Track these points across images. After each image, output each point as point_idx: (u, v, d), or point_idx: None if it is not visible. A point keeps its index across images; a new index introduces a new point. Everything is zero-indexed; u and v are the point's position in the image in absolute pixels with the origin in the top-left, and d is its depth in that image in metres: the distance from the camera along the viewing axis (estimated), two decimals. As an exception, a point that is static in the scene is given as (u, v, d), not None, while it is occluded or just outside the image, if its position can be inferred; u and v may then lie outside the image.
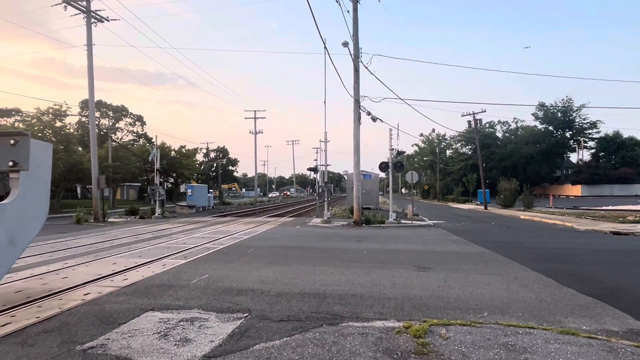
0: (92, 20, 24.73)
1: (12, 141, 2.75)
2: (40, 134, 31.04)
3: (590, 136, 70.18)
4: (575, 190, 65.79)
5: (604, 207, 31.79)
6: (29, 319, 5.29)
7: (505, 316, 5.35)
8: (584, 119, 68.33)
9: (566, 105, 66.97)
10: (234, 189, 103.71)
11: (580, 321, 5.15)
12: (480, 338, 4.48)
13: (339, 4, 19.43)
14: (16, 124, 37.02)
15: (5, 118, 37.62)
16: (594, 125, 68.16)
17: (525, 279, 7.76)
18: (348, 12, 20.73)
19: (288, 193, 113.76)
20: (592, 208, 31.77)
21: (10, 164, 2.73)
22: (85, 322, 5.14)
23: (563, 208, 32.90)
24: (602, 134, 69.40)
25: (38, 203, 3.01)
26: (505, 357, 3.97)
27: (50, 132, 33.17)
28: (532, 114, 71.48)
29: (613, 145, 68.57)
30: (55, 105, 35.61)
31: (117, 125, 60.75)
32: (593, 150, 71.95)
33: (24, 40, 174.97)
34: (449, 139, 76.72)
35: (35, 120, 34.08)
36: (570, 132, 69.92)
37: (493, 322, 5.05)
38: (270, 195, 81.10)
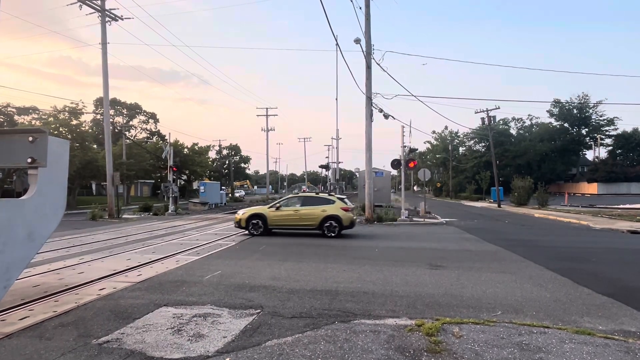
0: (107, 19, 25.01)
1: (30, 138, 2.80)
2: (56, 132, 31.57)
3: (607, 133, 68.69)
4: (591, 188, 64.57)
5: (621, 206, 31.15)
6: (47, 312, 5.40)
7: (519, 315, 5.30)
8: (601, 116, 66.87)
9: (582, 101, 65.65)
10: (245, 186, 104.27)
11: (596, 321, 5.07)
12: (493, 337, 4.44)
13: (351, 0, 19.36)
14: (33, 122, 37.71)
15: (23, 116, 38.32)
16: (611, 122, 66.69)
17: (539, 277, 7.67)
18: (360, 8, 20.65)
19: (306, 190, 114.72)
20: (608, 206, 31.18)
21: (29, 160, 2.78)
22: (100, 317, 5.23)
23: (578, 206, 32.34)
24: (619, 131, 67.90)
25: (56, 199, 3.07)
26: (519, 356, 3.93)
27: (66, 129, 33.73)
28: (547, 111, 70.26)
29: (632, 142, 67.00)
30: (71, 103, 36.21)
31: (131, 122, 61.44)
32: (610, 148, 70.39)
33: (41, 39, 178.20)
34: (462, 136, 75.94)
35: (51, 118, 34.68)
36: (587, 129, 68.50)
37: (507, 321, 5.00)
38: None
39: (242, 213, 15.36)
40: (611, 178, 62.89)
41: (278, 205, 15.28)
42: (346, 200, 15.89)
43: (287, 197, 17.03)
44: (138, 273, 8.08)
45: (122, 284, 7.06)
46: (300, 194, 18.02)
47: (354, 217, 15.22)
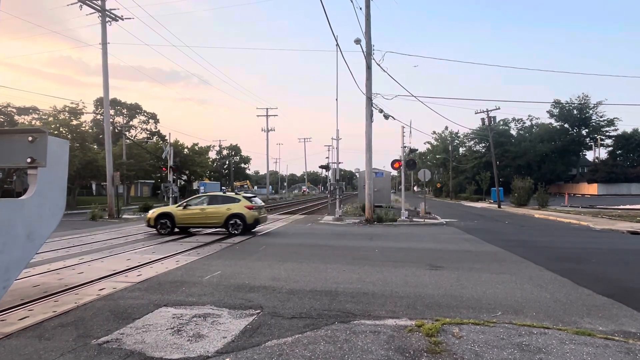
0: (107, 19, 25.02)
1: (30, 138, 2.80)
2: (56, 132, 31.60)
3: (607, 134, 68.70)
4: (592, 189, 64.56)
5: (621, 206, 31.14)
6: (46, 313, 5.40)
7: (519, 316, 5.29)
8: (601, 117, 66.85)
9: (582, 102, 65.62)
10: (245, 186, 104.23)
11: (596, 322, 5.06)
12: (493, 337, 4.44)
13: (352, 1, 19.36)
14: (33, 122, 37.78)
15: (23, 116, 38.35)
16: (611, 122, 66.67)
17: (539, 278, 7.66)
18: (360, 9, 20.62)
19: (307, 190, 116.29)
20: (608, 207, 31.16)
21: (29, 160, 2.78)
22: (100, 317, 5.23)
23: (579, 207, 32.32)
24: (619, 132, 67.91)
25: (55, 199, 3.07)
26: (519, 357, 3.93)
27: (66, 130, 33.74)
28: (547, 112, 70.27)
29: (632, 143, 66.98)
30: (71, 103, 36.26)
31: (131, 123, 61.47)
32: (610, 149, 70.40)
33: (42, 39, 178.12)
34: (462, 136, 75.88)
35: (51, 118, 34.70)
36: (587, 130, 68.49)
37: (507, 322, 4.99)
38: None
39: (152, 212, 15.77)
40: (611, 179, 62.89)
41: (185, 204, 15.68)
42: (256, 199, 16.48)
43: (195, 196, 17.52)
44: (138, 273, 8.07)
45: (121, 284, 7.06)
46: (208, 193, 18.46)
47: (259, 215, 15.74)
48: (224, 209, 15.12)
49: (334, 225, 20.02)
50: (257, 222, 15.61)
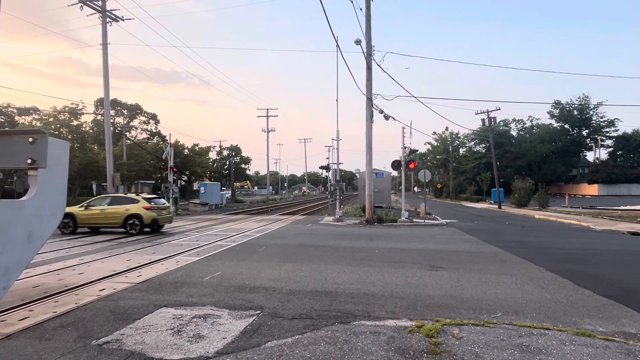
0: (108, 19, 25.03)
1: (30, 139, 2.79)
2: (56, 133, 31.62)
3: (607, 134, 68.69)
4: (592, 189, 64.55)
5: (622, 207, 31.14)
6: (46, 313, 5.40)
7: (520, 317, 5.29)
8: (602, 117, 66.79)
9: (583, 103, 65.58)
10: (246, 187, 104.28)
11: (596, 323, 5.06)
12: (493, 338, 4.44)
13: (352, 2, 19.36)
14: (34, 122, 37.77)
15: (23, 116, 38.37)
16: (611, 123, 66.62)
17: (540, 279, 7.66)
18: (361, 9, 20.62)
19: (306, 190, 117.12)
20: (609, 208, 31.15)
21: (29, 161, 2.77)
22: (100, 318, 5.23)
23: (579, 207, 32.31)
24: (620, 133, 67.91)
25: (55, 200, 3.07)
26: (519, 358, 3.92)
27: (66, 130, 33.75)
28: (547, 112, 70.20)
29: (632, 143, 67.00)
30: (72, 104, 36.29)
31: (131, 123, 61.41)
32: (611, 149, 70.44)
33: (43, 39, 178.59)
34: (462, 137, 75.79)
35: (52, 118, 34.72)
36: (587, 131, 68.46)
37: (507, 323, 4.99)
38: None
39: None
40: (612, 179, 62.90)
41: (87, 204, 16.14)
42: (158, 200, 16.98)
43: (98, 197, 18.01)
44: (138, 274, 8.08)
45: (122, 285, 7.06)
46: (109, 194, 18.79)
47: (158, 216, 16.11)
48: (122, 210, 15.64)
49: (334, 225, 20.01)
50: (155, 222, 16.01)
